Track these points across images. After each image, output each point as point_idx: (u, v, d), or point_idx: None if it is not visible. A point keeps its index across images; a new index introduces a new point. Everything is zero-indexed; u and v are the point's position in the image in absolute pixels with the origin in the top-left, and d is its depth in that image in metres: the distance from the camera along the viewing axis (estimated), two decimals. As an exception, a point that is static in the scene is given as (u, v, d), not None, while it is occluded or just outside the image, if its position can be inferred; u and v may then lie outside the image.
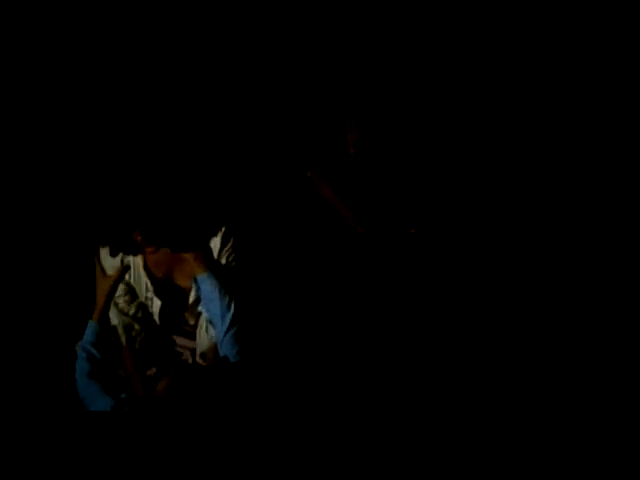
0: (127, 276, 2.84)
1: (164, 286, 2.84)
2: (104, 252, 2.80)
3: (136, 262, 2.83)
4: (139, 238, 2.67)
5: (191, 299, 2.88)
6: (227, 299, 2.71)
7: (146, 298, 2.86)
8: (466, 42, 3.91)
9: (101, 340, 2.80)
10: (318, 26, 3.91)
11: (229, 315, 2.72)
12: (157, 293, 2.85)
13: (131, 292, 2.88)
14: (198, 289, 2.79)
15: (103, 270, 2.82)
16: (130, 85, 3.86)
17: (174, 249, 2.69)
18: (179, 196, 2.69)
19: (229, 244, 2.81)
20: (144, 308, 2.88)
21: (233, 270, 2.81)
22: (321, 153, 3.75)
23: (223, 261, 2.80)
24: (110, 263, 2.81)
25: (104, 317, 2.82)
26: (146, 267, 2.83)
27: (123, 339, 2.87)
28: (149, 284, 2.84)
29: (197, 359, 2.91)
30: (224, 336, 2.73)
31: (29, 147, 3.82)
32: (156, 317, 2.87)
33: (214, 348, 2.83)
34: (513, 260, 3.65)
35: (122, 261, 2.82)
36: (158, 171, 2.74)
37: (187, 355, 2.97)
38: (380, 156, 3.68)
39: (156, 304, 2.87)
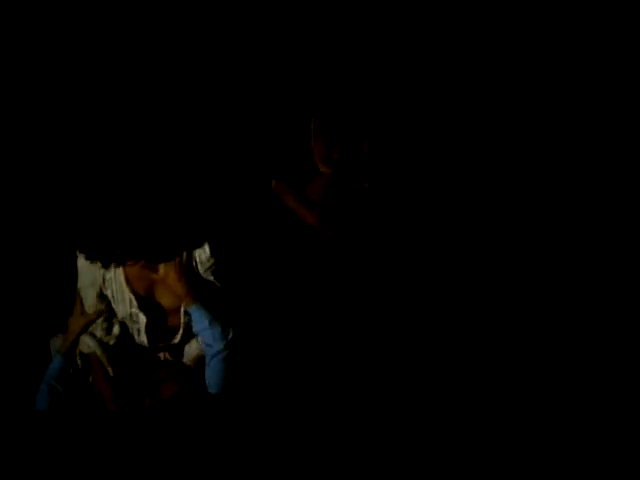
0: (108, 293, 2.77)
1: (148, 302, 2.78)
2: (84, 266, 2.73)
3: (117, 277, 2.75)
4: (119, 252, 2.61)
5: (180, 321, 2.85)
6: (218, 328, 2.74)
7: (131, 314, 2.79)
8: (445, 40, 3.93)
9: (65, 374, 2.82)
10: (285, 32, 3.89)
11: (220, 343, 2.74)
12: (142, 308, 2.78)
13: (109, 318, 2.83)
14: (189, 319, 2.79)
15: (82, 304, 2.82)
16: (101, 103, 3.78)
17: (154, 261, 2.65)
18: (156, 208, 2.65)
19: (212, 258, 2.77)
20: (125, 328, 2.82)
21: (218, 287, 2.80)
22: (285, 161, 3.74)
23: (207, 275, 2.77)
24: (90, 278, 2.74)
25: (71, 352, 2.83)
26: (128, 282, 2.76)
27: (104, 360, 2.82)
28: (133, 299, 2.77)
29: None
30: (211, 360, 2.75)
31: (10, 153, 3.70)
32: (142, 333, 2.81)
33: (198, 359, 2.84)
34: (505, 261, 3.67)
35: (103, 277, 2.75)
36: (136, 185, 2.69)
37: (166, 372, 2.92)
38: (348, 160, 3.68)
39: (142, 320, 2.79)
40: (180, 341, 2.86)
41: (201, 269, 2.75)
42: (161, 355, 2.89)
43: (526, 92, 3.95)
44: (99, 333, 2.84)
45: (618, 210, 3.76)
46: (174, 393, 2.80)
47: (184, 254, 2.70)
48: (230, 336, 2.74)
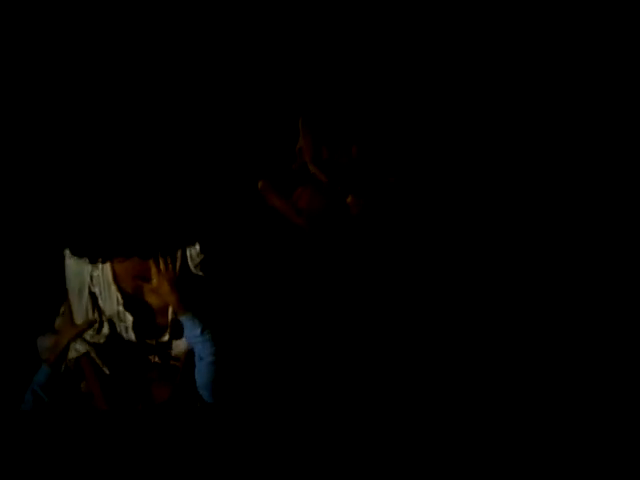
0: (96, 290, 2.77)
1: (135, 300, 2.78)
2: (71, 265, 2.73)
3: (105, 275, 2.75)
4: (108, 248, 2.62)
5: (168, 318, 2.85)
6: (209, 337, 2.75)
7: (118, 312, 2.79)
8: (434, 39, 3.92)
9: (51, 384, 2.81)
10: (272, 32, 3.88)
11: (211, 350, 2.75)
12: (128, 307, 2.78)
13: (98, 317, 2.83)
14: (181, 327, 2.81)
15: (72, 316, 2.83)
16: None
17: (143, 257, 2.66)
18: (145, 205, 2.66)
19: (201, 254, 2.78)
20: (113, 326, 2.82)
21: (208, 291, 2.81)
22: (272, 161, 3.73)
23: (197, 271, 2.78)
24: (78, 277, 2.74)
25: (59, 362, 2.82)
26: (115, 280, 2.75)
27: (98, 360, 2.81)
28: (120, 298, 2.77)
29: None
30: (200, 364, 2.76)
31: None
32: (130, 331, 2.81)
33: (186, 357, 2.84)
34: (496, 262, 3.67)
35: (91, 274, 2.74)
36: (124, 183, 2.69)
37: (155, 373, 2.93)
38: (337, 160, 3.67)
39: (129, 319, 2.79)
40: (169, 339, 2.86)
41: (191, 265, 2.75)
42: (151, 357, 2.88)
43: (519, 91, 3.94)
44: (89, 333, 2.83)
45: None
46: (166, 395, 2.80)
47: (178, 253, 2.71)
48: (221, 344, 2.76)
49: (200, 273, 2.77)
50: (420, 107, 3.87)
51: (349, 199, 3.60)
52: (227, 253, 2.98)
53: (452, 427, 3.04)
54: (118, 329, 2.84)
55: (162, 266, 2.71)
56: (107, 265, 2.71)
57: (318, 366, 3.23)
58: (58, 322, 2.96)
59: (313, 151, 3.68)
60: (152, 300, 2.78)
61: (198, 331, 2.74)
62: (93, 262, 2.66)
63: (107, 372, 2.83)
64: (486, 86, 3.94)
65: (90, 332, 2.84)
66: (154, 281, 2.73)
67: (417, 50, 3.94)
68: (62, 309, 2.97)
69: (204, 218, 2.89)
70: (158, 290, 2.73)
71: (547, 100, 3.94)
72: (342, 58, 3.88)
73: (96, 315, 2.79)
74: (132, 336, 2.82)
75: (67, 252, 2.69)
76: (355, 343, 3.31)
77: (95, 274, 2.74)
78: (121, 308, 2.77)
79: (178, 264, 2.75)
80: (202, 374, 2.74)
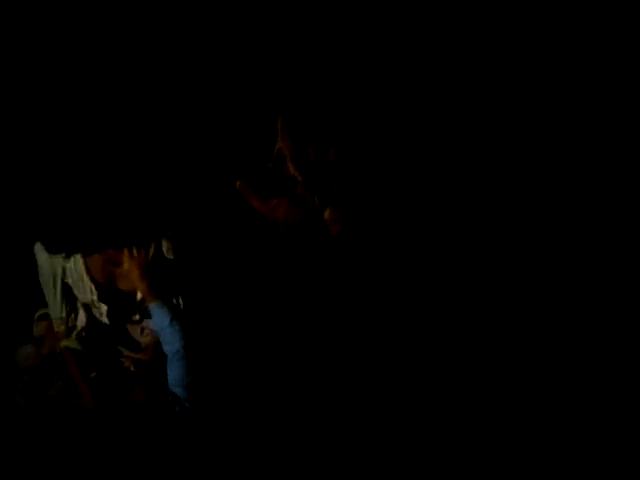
0: (69, 280, 2.76)
1: (108, 288, 2.77)
2: (43, 259, 2.72)
3: (77, 266, 2.75)
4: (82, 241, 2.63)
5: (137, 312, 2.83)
6: (176, 326, 2.73)
7: (92, 302, 2.78)
8: (416, 38, 3.88)
9: (29, 389, 2.80)
10: (248, 31, 3.89)
11: (180, 341, 2.72)
12: (102, 296, 2.77)
13: (73, 306, 2.81)
14: (150, 316, 2.81)
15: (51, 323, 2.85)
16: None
17: (115, 248, 2.66)
18: (117, 198, 2.67)
19: (171, 247, 2.78)
20: (89, 312, 2.80)
21: (178, 279, 2.79)
22: (249, 162, 3.72)
23: (169, 255, 2.77)
24: (50, 269, 2.74)
25: (40, 368, 2.84)
26: (88, 271, 2.75)
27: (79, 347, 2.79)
28: (93, 288, 2.76)
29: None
30: (173, 358, 2.73)
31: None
32: (105, 317, 2.79)
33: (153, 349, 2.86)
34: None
35: (63, 267, 2.73)
36: (96, 175, 2.70)
37: (129, 364, 2.90)
38: (317, 161, 3.67)
39: (103, 308, 2.79)
40: (139, 318, 2.89)
41: (164, 251, 2.75)
42: (125, 352, 2.86)
43: (501, 91, 3.92)
44: (69, 323, 2.81)
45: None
46: (144, 397, 2.78)
47: (150, 243, 2.71)
48: (190, 336, 2.74)
49: (171, 257, 2.76)
50: (399, 108, 3.84)
51: (327, 214, 3.56)
52: (202, 247, 2.98)
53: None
54: (93, 312, 2.86)
55: (134, 252, 2.71)
56: (79, 256, 2.70)
57: (294, 363, 3.21)
58: (37, 329, 2.94)
59: (292, 151, 3.68)
60: (124, 285, 2.81)
61: (167, 320, 2.73)
62: (67, 257, 2.66)
63: (91, 368, 2.80)
64: (467, 88, 3.89)
65: (70, 322, 2.81)
66: (125, 266, 2.75)
67: (396, 51, 3.90)
68: (37, 315, 2.93)
69: (179, 211, 2.89)
70: (129, 275, 2.77)
71: (529, 99, 3.92)
72: (321, 59, 3.86)
73: (69, 308, 2.76)
74: (106, 320, 2.84)
75: (38, 246, 2.69)
76: (329, 331, 3.30)
77: (68, 265, 2.77)
78: (95, 298, 2.78)
79: (151, 252, 2.74)
80: (173, 369, 2.72)
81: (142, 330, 2.91)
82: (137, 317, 2.86)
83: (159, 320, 2.74)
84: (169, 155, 3.64)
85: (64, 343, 2.83)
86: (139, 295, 2.82)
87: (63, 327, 2.84)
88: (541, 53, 3.87)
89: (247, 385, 3.01)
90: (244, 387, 3.00)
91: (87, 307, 2.82)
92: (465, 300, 3.44)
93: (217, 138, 3.78)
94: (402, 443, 2.95)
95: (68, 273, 2.73)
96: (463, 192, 3.73)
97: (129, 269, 2.74)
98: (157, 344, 2.83)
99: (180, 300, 2.80)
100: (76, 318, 2.82)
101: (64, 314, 2.82)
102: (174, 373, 2.71)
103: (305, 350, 3.24)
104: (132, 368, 2.88)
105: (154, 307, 2.75)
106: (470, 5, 3.86)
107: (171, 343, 2.71)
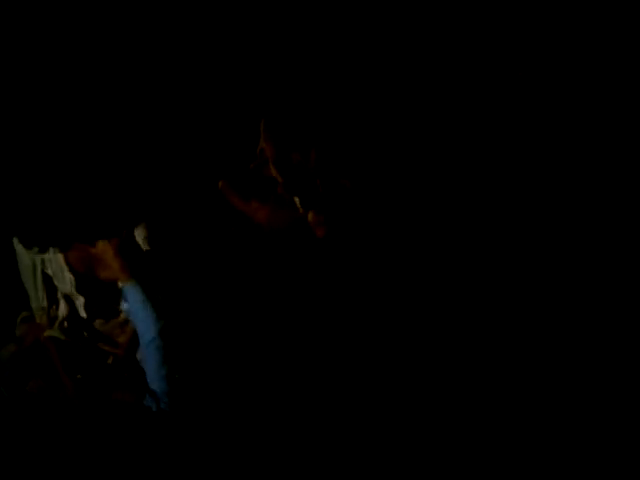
0: (49, 271, 2.81)
1: (88, 278, 2.81)
2: (21, 252, 2.77)
3: (56, 257, 2.80)
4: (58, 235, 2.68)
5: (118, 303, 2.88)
6: (151, 310, 2.71)
7: (72, 294, 2.82)
8: (398, 37, 3.89)
9: (11, 380, 2.81)
10: (232, 32, 3.91)
11: (154, 327, 2.69)
12: (80, 289, 2.81)
13: (53, 298, 2.85)
14: (124, 298, 2.82)
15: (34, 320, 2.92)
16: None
17: (92, 239, 2.70)
18: (94, 189, 2.72)
19: (145, 234, 2.82)
20: (71, 303, 2.84)
21: (156, 270, 2.82)
22: (232, 162, 3.75)
23: (145, 245, 2.81)
24: (29, 261, 2.78)
25: (21, 357, 2.85)
26: (67, 262, 2.79)
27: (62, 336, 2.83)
28: (72, 279, 2.80)
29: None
30: (148, 348, 2.70)
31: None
32: (82, 313, 2.83)
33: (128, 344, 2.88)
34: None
35: (42, 258, 2.78)
36: (75, 166, 2.74)
37: (108, 359, 2.93)
38: (300, 163, 3.70)
39: (80, 300, 2.82)
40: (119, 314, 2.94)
41: (139, 239, 2.79)
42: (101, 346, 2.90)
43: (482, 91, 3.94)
44: (51, 314, 2.85)
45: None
46: (123, 393, 2.80)
47: (124, 232, 2.74)
48: (163, 322, 2.71)
49: (147, 247, 2.80)
50: (383, 110, 3.87)
51: (310, 216, 3.58)
52: (181, 239, 3.00)
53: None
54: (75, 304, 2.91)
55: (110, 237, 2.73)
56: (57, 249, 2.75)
57: (279, 356, 3.22)
58: (19, 331, 3.00)
59: (275, 153, 3.70)
60: (105, 274, 2.79)
61: (140, 301, 2.70)
62: (42, 251, 2.69)
63: (74, 358, 2.83)
64: (454, 88, 3.90)
65: (52, 313, 2.85)
66: (99, 246, 2.75)
67: (379, 52, 3.91)
68: (20, 317, 2.99)
69: (158, 203, 2.91)
70: (103, 255, 2.74)
71: (513, 97, 3.91)
72: (304, 60, 3.89)
73: (50, 299, 2.80)
74: (84, 313, 2.84)
75: (16, 240, 2.72)
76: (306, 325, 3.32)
77: (47, 257, 2.79)
78: (74, 290, 2.80)
79: (125, 233, 2.76)
80: (149, 360, 2.68)
81: (122, 326, 2.95)
82: (118, 313, 2.90)
83: (132, 300, 2.71)
84: (151, 150, 3.66)
85: (47, 333, 2.87)
86: (119, 283, 2.82)
87: (45, 317, 2.88)
88: (532, 52, 3.89)
89: (231, 381, 3.01)
90: (228, 383, 3.00)
91: (68, 297, 2.88)
92: (455, 302, 3.45)
93: (200, 137, 3.79)
94: (398, 446, 2.97)
95: (48, 264, 2.80)
96: (450, 192, 3.74)
97: (103, 248, 2.74)
98: (135, 339, 2.81)
99: (156, 285, 2.79)
100: (57, 308, 2.89)
101: (45, 304, 2.87)
102: (150, 364, 2.67)
103: (290, 343, 3.25)
104: (110, 362, 2.90)
105: (128, 287, 2.73)
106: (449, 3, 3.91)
107: (145, 328, 2.68)
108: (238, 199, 3.64)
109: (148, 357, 2.69)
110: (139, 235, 2.82)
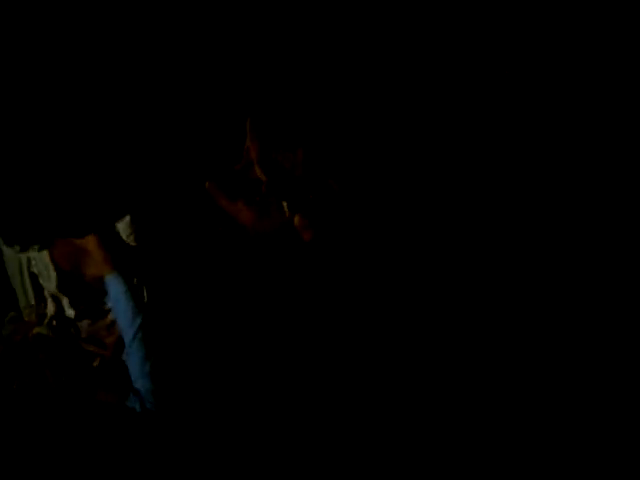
0: (35, 270, 2.82)
1: (73, 279, 2.82)
2: (7, 250, 2.78)
3: (42, 255, 2.80)
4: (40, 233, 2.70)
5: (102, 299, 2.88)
6: (132, 303, 2.72)
7: (57, 293, 2.83)
8: (381, 35, 3.86)
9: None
10: (219, 31, 3.87)
11: (136, 320, 2.70)
12: (64, 288, 2.82)
13: (40, 297, 2.87)
14: (107, 290, 2.81)
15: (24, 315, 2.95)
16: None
17: (76, 236, 2.71)
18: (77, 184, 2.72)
19: (133, 231, 2.82)
20: (58, 302, 2.85)
21: (139, 262, 2.82)
22: (218, 163, 3.75)
23: (130, 241, 2.82)
24: (15, 260, 2.80)
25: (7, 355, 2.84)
26: (53, 260, 2.80)
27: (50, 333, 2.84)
28: (56, 280, 2.81)
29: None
30: (131, 343, 2.71)
31: None
32: (69, 308, 2.84)
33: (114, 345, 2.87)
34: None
35: (29, 257, 2.79)
36: (57, 160, 2.73)
37: (97, 361, 2.94)
38: (284, 164, 3.70)
39: (64, 299, 2.83)
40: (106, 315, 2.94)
41: (123, 235, 2.79)
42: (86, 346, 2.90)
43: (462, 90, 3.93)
44: (39, 311, 2.86)
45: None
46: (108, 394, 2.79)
47: (107, 226, 2.75)
48: (145, 315, 2.72)
49: (133, 243, 2.81)
50: (372, 111, 3.84)
51: (296, 220, 3.57)
52: (167, 236, 3.00)
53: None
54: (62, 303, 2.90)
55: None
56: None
57: (264, 353, 3.22)
58: (5, 331, 2.99)
59: (260, 153, 3.68)
60: (91, 271, 2.80)
61: (122, 292, 2.71)
62: (24, 250, 2.70)
63: (61, 356, 2.83)
64: (440, 87, 3.88)
65: (39, 310, 2.87)
66: (84, 239, 2.76)
67: (367, 50, 3.88)
68: (7, 317, 2.99)
69: (145, 201, 2.91)
70: (86, 246, 2.75)
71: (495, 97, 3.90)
72: (292, 59, 3.85)
73: (37, 297, 2.81)
74: (71, 313, 2.83)
75: (0, 240, 2.73)
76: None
77: (32, 255, 2.79)
78: (56, 289, 2.80)
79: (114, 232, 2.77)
80: (132, 356, 2.69)
81: (109, 327, 2.96)
82: (105, 314, 2.91)
83: (114, 291, 2.71)
84: (139, 146, 3.62)
85: (36, 330, 2.88)
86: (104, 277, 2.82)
87: (33, 315, 2.89)
88: (523, 50, 3.87)
89: (217, 379, 3.02)
90: (213, 381, 3.00)
91: (55, 296, 2.89)
92: (445, 305, 3.45)
93: (189, 136, 3.76)
94: (386, 449, 2.99)
95: (33, 262, 2.81)
96: (438, 193, 3.74)
97: (87, 241, 2.76)
98: (122, 340, 2.79)
99: (139, 278, 2.82)
100: (45, 307, 2.90)
101: (33, 303, 2.88)
102: (134, 360, 2.67)
103: (274, 343, 3.25)
104: (97, 364, 2.90)
105: (110, 278, 2.74)
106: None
107: (126, 320, 2.68)
108: (225, 200, 3.65)
109: (131, 353, 2.69)
110: (124, 231, 2.83)
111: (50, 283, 2.86)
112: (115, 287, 2.74)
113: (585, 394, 3.14)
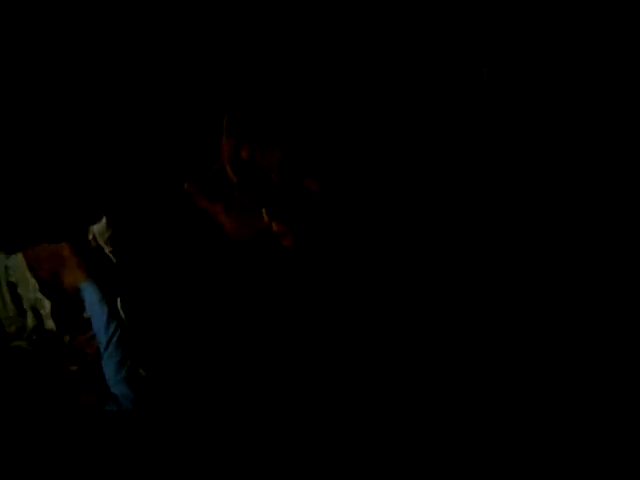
0: (13, 279, 2.79)
1: (52, 286, 2.79)
2: None
3: (19, 263, 2.78)
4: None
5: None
6: (107, 310, 2.69)
7: (36, 300, 2.80)
8: (355, 40, 3.86)
9: None
10: (197, 29, 3.84)
11: (111, 327, 2.68)
12: (45, 293, 2.79)
13: (20, 310, 2.83)
14: (83, 298, 2.78)
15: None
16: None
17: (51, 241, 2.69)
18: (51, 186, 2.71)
19: (108, 234, 2.80)
20: (38, 315, 2.82)
21: (114, 267, 2.81)
22: (197, 163, 3.72)
23: (107, 248, 2.80)
24: None
25: None
26: (30, 267, 2.77)
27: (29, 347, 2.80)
28: (36, 284, 2.79)
29: None
30: (106, 348, 2.69)
31: None
32: (49, 318, 2.81)
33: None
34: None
35: (6, 266, 2.76)
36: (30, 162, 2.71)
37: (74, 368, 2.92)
38: (258, 164, 3.67)
39: (47, 305, 2.81)
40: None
41: (100, 241, 2.77)
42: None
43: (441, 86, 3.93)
44: (16, 325, 2.83)
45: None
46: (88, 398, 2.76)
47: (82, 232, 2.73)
48: (120, 321, 2.70)
49: (110, 248, 2.79)
50: (352, 109, 3.83)
51: (274, 227, 3.50)
52: (143, 240, 2.98)
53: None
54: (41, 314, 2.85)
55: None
56: (19, 254, 2.72)
57: (239, 356, 3.19)
58: None
59: (233, 152, 3.62)
60: (69, 280, 2.78)
61: (97, 299, 2.69)
62: (7, 254, 2.68)
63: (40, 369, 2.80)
64: (420, 85, 3.88)
65: (17, 323, 2.83)
66: (59, 245, 2.73)
67: (343, 49, 3.88)
68: None
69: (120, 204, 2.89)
70: (61, 253, 2.72)
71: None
72: (269, 58, 3.84)
73: (15, 311, 2.78)
74: (52, 324, 2.81)
75: None
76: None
77: (10, 264, 2.78)
78: (39, 294, 2.78)
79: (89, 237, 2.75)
80: (108, 363, 2.67)
81: (89, 340, 2.92)
82: (86, 327, 2.85)
83: (89, 299, 2.69)
84: (119, 148, 3.61)
85: (15, 343, 2.84)
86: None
87: (13, 327, 2.86)
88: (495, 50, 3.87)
89: (190, 381, 3.01)
90: (187, 384, 2.99)
91: (35, 309, 2.85)
92: (426, 307, 3.42)
93: (168, 136, 3.73)
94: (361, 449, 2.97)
95: (11, 271, 2.77)
96: (419, 193, 3.72)
97: (61, 248, 2.73)
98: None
99: (115, 285, 2.80)
100: (25, 318, 2.86)
101: (12, 314, 2.84)
102: (109, 367, 2.66)
103: (256, 343, 3.22)
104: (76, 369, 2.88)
105: (85, 285, 2.71)
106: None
107: (102, 327, 2.66)
108: (205, 201, 3.61)
109: (106, 359, 2.68)
110: (99, 234, 2.80)
111: (29, 292, 2.82)
112: (90, 295, 2.72)
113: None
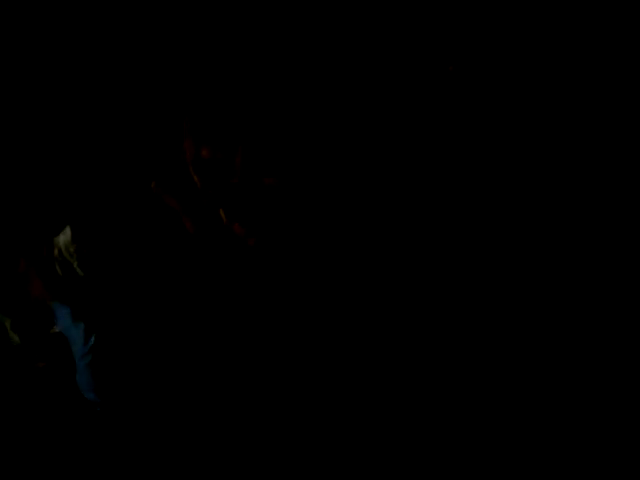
0: None
1: (17, 297, 2.76)
2: None
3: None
4: None
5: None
6: (82, 327, 2.74)
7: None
8: (319, 39, 3.85)
9: None
10: (162, 31, 3.81)
11: (88, 344, 2.74)
12: (10, 305, 2.75)
13: None
14: (55, 317, 2.81)
15: None
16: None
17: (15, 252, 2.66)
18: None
19: (73, 248, 2.76)
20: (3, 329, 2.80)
21: (83, 281, 2.77)
22: (162, 163, 3.68)
23: (73, 261, 2.76)
24: None
25: None
26: None
27: None
28: None
29: None
30: (81, 361, 2.75)
31: None
32: (12, 333, 2.78)
33: None
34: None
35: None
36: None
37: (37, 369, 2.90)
38: (218, 163, 3.66)
39: (7, 319, 2.77)
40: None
41: (66, 254, 2.73)
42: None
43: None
44: None
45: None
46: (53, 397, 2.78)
47: (44, 250, 2.69)
48: (93, 338, 2.74)
49: (75, 263, 2.76)
50: (316, 108, 3.83)
51: (236, 228, 3.54)
52: (110, 249, 2.95)
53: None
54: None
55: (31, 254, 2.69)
56: None
57: (208, 364, 3.20)
58: None
59: (194, 153, 3.62)
60: (35, 291, 2.75)
61: (69, 320, 2.73)
62: None
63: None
64: (392, 81, 3.90)
65: None
66: (21, 266, 2.72)
67: (310, 49, 3.88)
68: None
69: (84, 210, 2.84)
70: (26, 273, 2.69)
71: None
72: (232, 58, 3.83)
73: None
74: (16, 338, 2.78)
75: None
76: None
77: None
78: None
79: (54, 252, 2.71)
80: (82, 373, 2.73)
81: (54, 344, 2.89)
82: (51, 339, 2.82)
83: (61, 319, 2.73)
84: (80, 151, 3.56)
85: None
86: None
87: None
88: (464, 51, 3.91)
89: (161, 388, 3.01)
90: (158, 390, 3.00)
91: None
92: (399, 306, 3.47)
93: (132, 137, 3.70)
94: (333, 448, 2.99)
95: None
96: (387, 192, 3.75)
97: (25, 268, 2.72)
98: (65, 348, 2.82)
99: (85, 302, 2.77)
100: None
101: None
102: (83, 377, 2.72)
103: (221, 349, 3.25)
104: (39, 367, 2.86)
105: (56, 306, 2.73)
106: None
107: (77, 344, 2.70)
108: (172, 200, 3.59)
109: (81, 370, 2.74)
110: (65, 246, 2.75)
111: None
112: (61, 316, 2.75)
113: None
